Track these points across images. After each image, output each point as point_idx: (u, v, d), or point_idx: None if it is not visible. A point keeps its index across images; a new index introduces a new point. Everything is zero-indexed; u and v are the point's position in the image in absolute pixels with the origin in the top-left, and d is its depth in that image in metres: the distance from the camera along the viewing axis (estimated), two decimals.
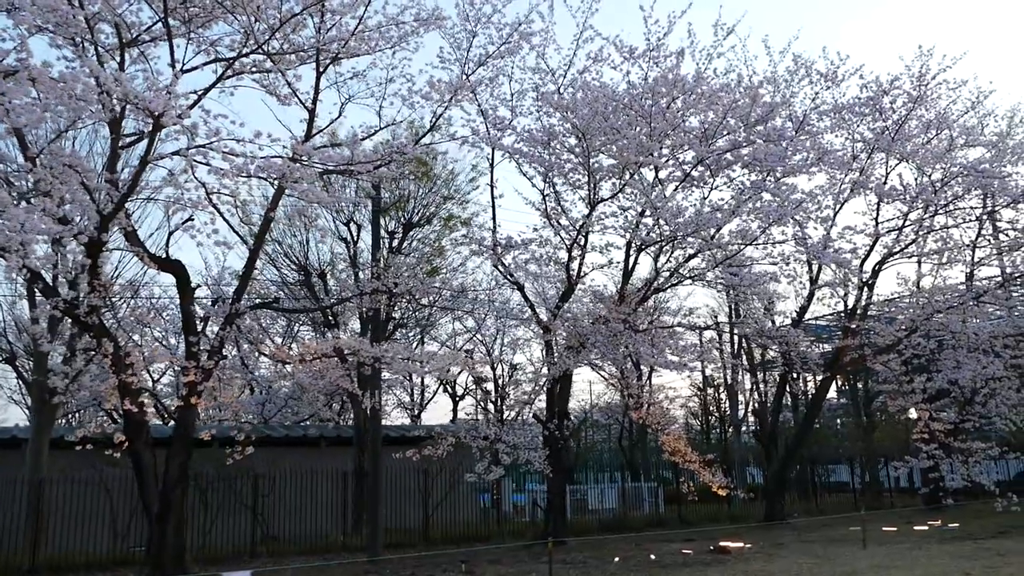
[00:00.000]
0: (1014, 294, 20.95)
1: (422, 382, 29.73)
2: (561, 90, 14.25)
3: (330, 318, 20.57)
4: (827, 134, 16.94)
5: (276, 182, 11.06)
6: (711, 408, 35.60)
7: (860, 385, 30.05)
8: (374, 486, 15.21)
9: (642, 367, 28.56)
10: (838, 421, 38.95)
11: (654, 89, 12.79)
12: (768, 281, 13.90)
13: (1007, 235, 19.74)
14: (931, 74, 16.57)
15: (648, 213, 13.93)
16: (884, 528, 17.73)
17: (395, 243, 21.09)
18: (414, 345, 30.25)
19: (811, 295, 19.29)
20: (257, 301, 13.72)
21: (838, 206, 18.20)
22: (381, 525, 15.26)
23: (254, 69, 12.73)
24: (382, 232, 22.35)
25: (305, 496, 19.79)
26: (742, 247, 13.86)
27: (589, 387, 62.96)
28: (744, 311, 25.93)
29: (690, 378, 35.27)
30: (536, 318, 15.68)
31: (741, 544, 15.69)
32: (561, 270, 15.29)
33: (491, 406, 30.77)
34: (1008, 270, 19.18)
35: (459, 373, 29.51)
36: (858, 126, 17.13)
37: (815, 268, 19.16)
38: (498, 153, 14.77)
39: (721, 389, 29.87)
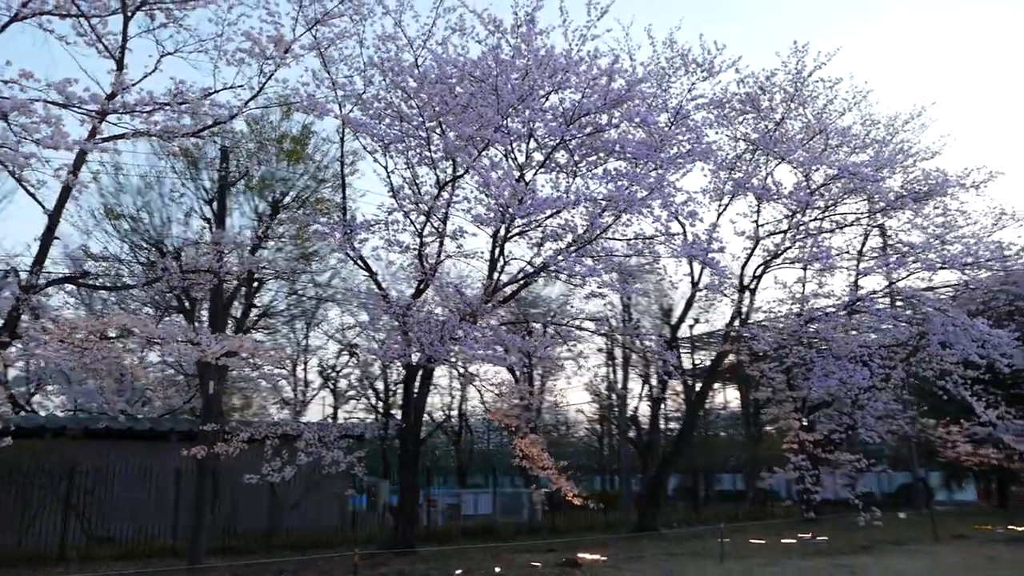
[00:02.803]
0: (906, 311, 20.71)
1: (305, 378, 28.20)
2: (418, 61, 13.14)
3: (184, 302, 18.99)
4: (709, 131, 16.32)
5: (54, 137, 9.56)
6: (611, 415, 35.00)
7: (753, 394, 29.84)
8: (199, 484, 13.80)
9: (535, 370, 27.76)
10: (742, 431, 38.99)
11: (496, 56, 11.76)
12: (622, 272, 13.05)
13: (895, 248, 19.46)
14: (807, 71, 16.19)
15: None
16: (752, 540, 17.16)
17: (264, 226, 19.56)
18: (301, 337, 28.74)
19: (692, 298, 18.66)
20: (59, 276, 12.17)
21: (721, 207, 17.64)
22: (204, 528, 13.84)
23: (58, 11, 11.23)
24: (249, 212, 20.98)
25: (147, 495, 18.17)
26: (594, 238, 12.94)
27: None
28: (637, 316, 25.34)
29: (591, 384, 34.69)
30: (394, 309, 14.46)
31: (597, 556, 14.83)
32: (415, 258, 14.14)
33: (380, 403, 29.51)
34: (897, 283, 18.89)
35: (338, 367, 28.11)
36: (739, 123, 16.61)
37: (697, 271, 18.51)
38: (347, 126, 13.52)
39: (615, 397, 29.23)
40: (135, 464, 18.01)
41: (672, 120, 14.53)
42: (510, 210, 11.69)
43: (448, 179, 13.13)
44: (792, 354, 18.19)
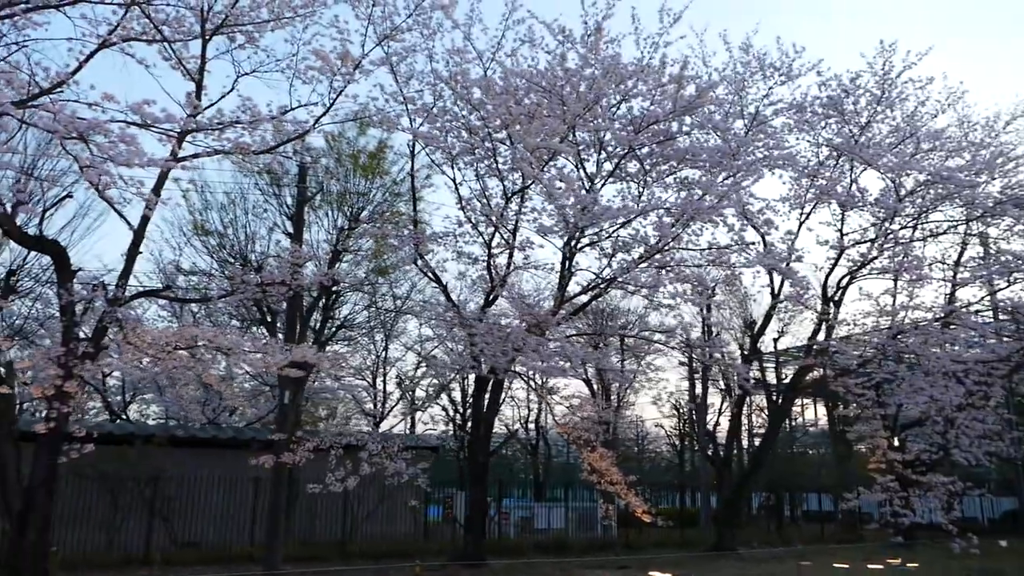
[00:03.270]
0: (1009, 325, 19.36)
1: (384, 389, 28.61)
2: (487, 73, 13.16)
3: (267, 315, 19.55)
4: (788, 136, 15.73)
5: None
6: (691, 430, 34.15)
7: (839, 411, 28.54)
8: (274, 493, 14.11)
9: (611, 384, 27.35)
10: (831, 449, 37.36)
11: (563, 65, 11.63)
12: (697, 284, 12.66)
13: (997, 258, 18.23)
14: (895, 71, 15.38)
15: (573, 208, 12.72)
16: (836, 564, 16.33)
17: (341, 239, 19.97)
18: (380, 348, 29.17)
19: (772, 308, 17.98)
20: (143, 289, 12.70)
21: (802, 215, 16.97)
22: (280, 535, 14.14)
23: (143, 37, 11.75)
24: (328, 226, 21.47)
25: (228, 502, 18.74)
26: (663, 248, 12.58)
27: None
28: (717, 329, 24.61)
29: (671, 398, 34.02)
30: (460, 320, 14.50)
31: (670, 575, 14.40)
32: (485, 269, 14.13)
33: (456, 415, 29.63)
34: (999, 295, 17.69)
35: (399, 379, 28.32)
36: (822, 129, 15.94)
37: (777, 282, 17.82)
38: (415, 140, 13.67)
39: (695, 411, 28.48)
40: (218, 472, 18.58)
41: (749, 126, 14.07)
42: (574, 220, 11.52)
43: (516, 190, 13.08)
44: (880, 369, 17.28)
